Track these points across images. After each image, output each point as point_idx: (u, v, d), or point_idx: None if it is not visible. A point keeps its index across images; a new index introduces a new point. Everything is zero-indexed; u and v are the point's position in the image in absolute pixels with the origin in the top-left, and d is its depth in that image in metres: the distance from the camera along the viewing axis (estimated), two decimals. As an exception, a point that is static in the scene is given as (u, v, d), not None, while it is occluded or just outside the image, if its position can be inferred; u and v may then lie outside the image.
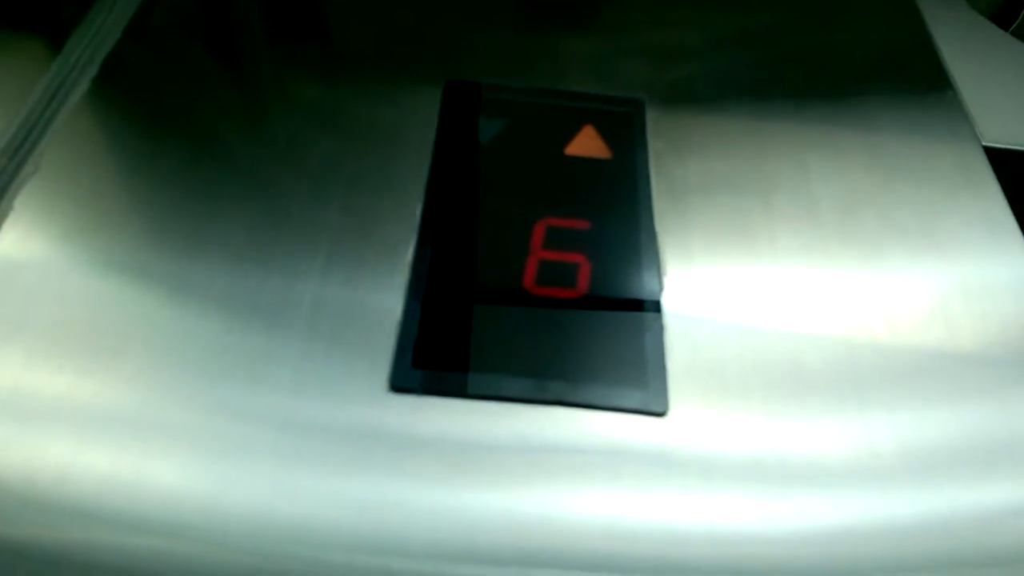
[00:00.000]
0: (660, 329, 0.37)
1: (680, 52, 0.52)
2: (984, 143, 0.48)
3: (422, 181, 0.42)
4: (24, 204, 0.39)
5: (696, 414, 0.34)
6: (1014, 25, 0.60)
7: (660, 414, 0.34)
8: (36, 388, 0.33)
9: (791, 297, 0.39)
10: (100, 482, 0.31)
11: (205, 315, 0.36)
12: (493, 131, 0.45)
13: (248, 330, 0.36)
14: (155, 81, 0.46)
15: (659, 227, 0.41)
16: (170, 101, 0.45)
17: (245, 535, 0.31)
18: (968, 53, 0.56)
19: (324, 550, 0.30)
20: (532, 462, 0.32)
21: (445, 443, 0.33)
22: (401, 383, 0.34)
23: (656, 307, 0.38)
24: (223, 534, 0.31)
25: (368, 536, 0.30)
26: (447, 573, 0.30)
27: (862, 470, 0.34)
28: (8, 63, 0.45)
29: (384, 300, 0.37)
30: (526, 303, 0.37)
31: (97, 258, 0.38)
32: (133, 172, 0.42)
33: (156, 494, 0.31)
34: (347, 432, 0.32)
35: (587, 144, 0.45)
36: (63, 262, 0.37)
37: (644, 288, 0.38)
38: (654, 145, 0.45)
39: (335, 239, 0.39)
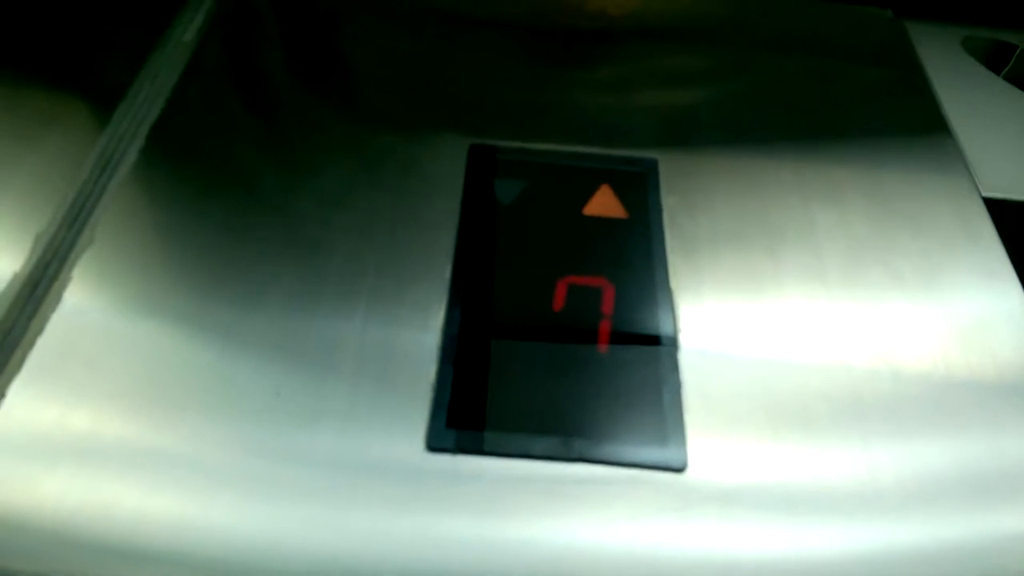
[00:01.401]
0: (678, 384, 0.39)
1: (689, 106, 0.55)
2: (983, 194, 0.51)
3: (450, 242, 0.45)
4: (82, 273, 0.42)
5: (714, 467, 0.37)
6: (1007, 68, 0.62)
7: (680, 470, 0.36)
8: (105, 446, 0.36)
9: (799, 346, 0.42)
10: (170, 527, 0.34)
11: (254, 372, 0.39)
12: (515, 193, 0.48)
13: (294, 390, 0.38)
14: (199, 146, 0.49)
15: (673, 283, 0.44)
16: (214, 164, 0.49)
17: (290, 573, 0.33)
18: (966, 101, 0.58)
19: None
20: (558, 518, 0.35)
21: (478, 500, 0.35)
22: (437, 444, 0.36)
23: (673, 363, 0.40)
24: (275, 574, 0.33)
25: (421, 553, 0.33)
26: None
27: (868, 511, 0.36)
28: (57, 135, 0.48)
29: (418, 361, 0.40)
30: (551, 363, 0.40)
31: (152, 318, 0.41)
32: (184, 234, 0.45)
33: (214, 536, 0.34)
34: (387, 492, 0.35)
35: (604, 204, 0.47)
36: (121, 325, 0.40)
37: (661, 344, 0.41)
38: (667, 202, 0.48)
39: (371, 301, 0.42)
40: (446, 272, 0.44)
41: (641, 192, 0.48)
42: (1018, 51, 0.64)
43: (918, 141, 0.54)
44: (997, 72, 0.62)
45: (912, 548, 0.35)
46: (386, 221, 0.46)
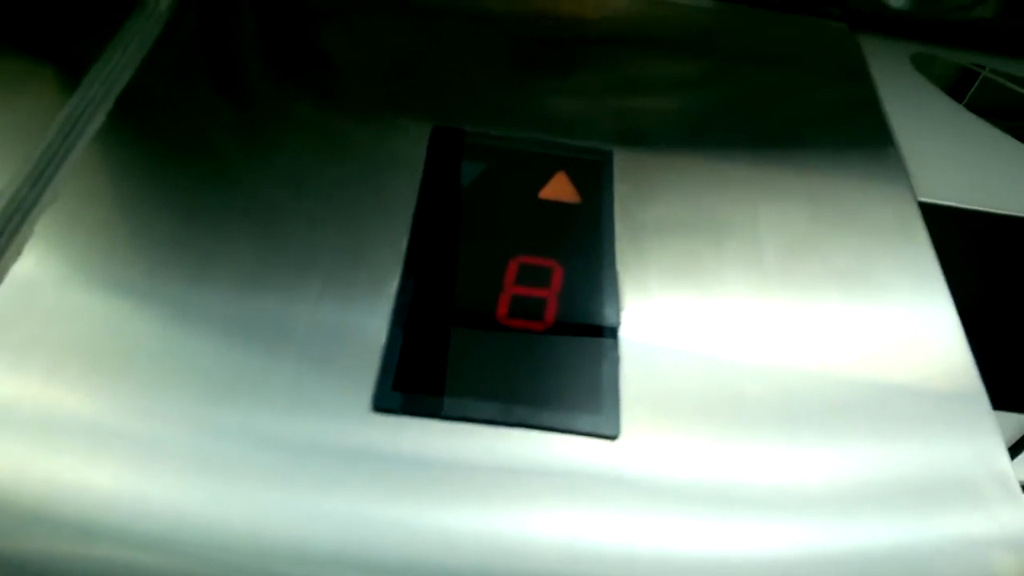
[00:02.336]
0: (616, 359, 0.41)
1: (648, 105, 0.57)
2: (919, 198, 0.53)
3: (408, 217, 0.47)
4: (43, 229, 0.43)
5: (645, 438, 0.39)
6: (967, 97, 0.65)
7: (612, 437, 0.38)
8: (52, 404, 0.37)
9: (735, 332, 0.44)
10: (103, 498, 0.34)
11: (206, 337, 0.40)
12: (474, 174, 0.49)
13: (245, 352, 0.40)
14: (166, 116, 0.50)
15: (620, 266, 0.46)
16: (180, 135, 0.50)
17: (237, 551, 0.34)
18: (910, 112, 0.61)
19: (308, 564, 0.34)
20: (496, 481, 0.37)
21: (420, 461, 0.37)
22: (383, 404, 0.38)
23: (614, 339, 0.42)
24: (217, 549, 0.34)
25: (351, 552, 0.34)
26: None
27: (791, 497, 0.38)
28: (28, 97, 0.49)
29: (370, 326, 0.41)
30: (498, 334, 0.42)
31: (109, 281, 0.41)
32: (145, 201, 0.46)
33: (154, 510, 0.34)
34: (332, 450, 0.37)
35: (559, 189, 0.49)
36: (78, 284, 0.41)
37: (604, 322, 0.43)
38: (619, 190, 0.50)
39: (329, 269, 0.44)
40: (402, 246, 0.45)
41: (595, 179, 0.50)
42: (980, 78, 0.67)
43: (862, 147, 0.57)
44: (947, 90, 0.65)
45: (835, 548, 0.37)
46: (346, 199, 0.47)
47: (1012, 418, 0.74)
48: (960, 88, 0.66)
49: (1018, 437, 0.75)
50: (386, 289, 0.43)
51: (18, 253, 0.41)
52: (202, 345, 0.40)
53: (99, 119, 0.48)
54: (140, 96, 0.51)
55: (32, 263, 0.41)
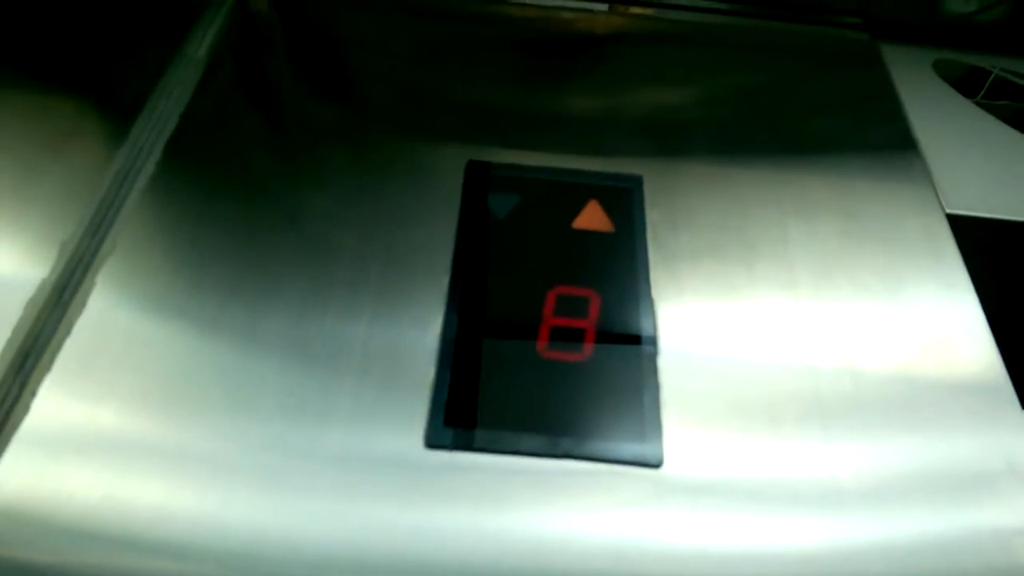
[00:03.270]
0: (656, 387, 0.43)
1: (674, 125, 0.59)
2: (947, 211, 0.54)
3: (449, 252, 0.48)
4: (105, 279, 0.45)
5: (688, 464, 0.40)
6: (980, 95, 0.66)
7: (656, 466, 0.40)
8: (128, 443, 0.39)
9: (769, 352, 0.45)
10: (188, 521, 0.37)
11: (269, 362, 0.42)
12: (509, 207, 0.51)
13: (304, 390, 0.42)
14: (213, 160, 0.53)
15: (655, 293, 0.47)
16: (228, 178, 0.52)
17: (309, 566, 0.36)
18: (935, 121, 0.62)
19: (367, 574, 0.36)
20: (545, 509, 0.38)
21: (472, 493, 0.39)
22: (435, 441, 0.40)
23: (653, 367, 0.44)
24: (292, 565, 0.37)
25: (410, 569, 0.36)
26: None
27: (825, 497, 0.40)
28: (80, 148, 0.52)
29: (418, 363, 0.43)
30: (541, 367, 0.43)
31: (173, 321, 0.44)
32: (200, 243, 0.48)
33: (232, 531, 0.37)
34: (389, 486, 0.38)
35: (592, 218, 0.51)
36: (143, 329, 0.43)
37: (642, 350, 0.44)
38: (651, 217, 0.51)
39: (375, 306, 0.46)
40: (444, 281, 0.47)
41: (627, 207, 0.51)
42: (992, 76, 0.68)
43: (888, 159, 0.58)
44: (968, 94, 0.66)
45: (866, 541, 0.39)
46: (389, 230, 0.49)
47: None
48: (986, 93, 0.66)
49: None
50: (431, 328, 0.45)
51: (83, 305, 0.44)
52: (266, 370, 0.42)
53: (149, 167, 0.51)
54: (187, 141, 0.53)
55: (97, 313, 0.44)
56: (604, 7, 0.69)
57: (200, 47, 0.58)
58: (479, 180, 0.52)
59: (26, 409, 0.40)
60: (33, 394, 0.40)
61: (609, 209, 0.51)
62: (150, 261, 0.47)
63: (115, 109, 0.55)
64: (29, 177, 0.49)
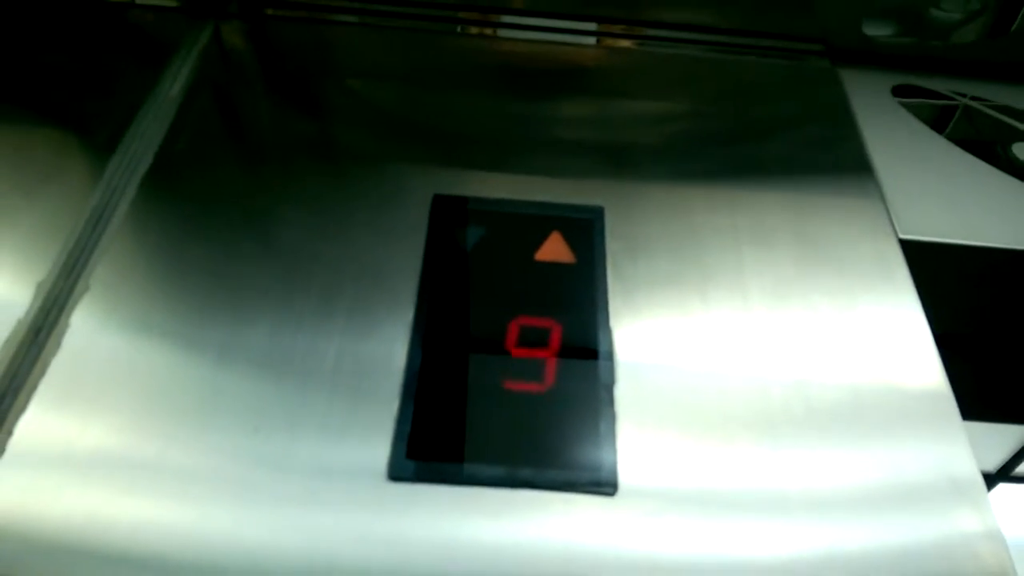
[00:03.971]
0: (612, 416, 0.44)
1: (636, 153, 0.60)
2: (900, 235, 0.56)
3: (414, 282, 0.50)
4: (80, 319, 0.47)
5: (642, 491, 0.42)
6: (948, 126, 0.67)
7: (611, 493, 0.41)
8: (106, 468, 0.41)
9: (724, 377, 0.47)
10: (167, 536, 0.39)
11: (246, 377, 0.44)
12: (474, 240, 0.52)
13: (275, 408, 0.43)
14: (186, 198, 0.54)
15: (613, 322, 0.49)
16: (201, 213, 0.53)
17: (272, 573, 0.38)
18: (891, 146, 0.63)
19: None
20: (503, 536, 0.40)
21: (433, 524, 0.40)
22: (397, 474, 0.41)
23: (609, 396, 0.45)
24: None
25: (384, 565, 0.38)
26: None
27: (774, 508, 0.41)
28: (56, 190, 0.53)
29: (383, 392, 0.45)
30: (502, 398, 0.45)
31: (146, 356, 0.45)
32: (174, 276, 0.49)
33: (212, 544, 0.39)
34: (354, 510, 0.40)
35: (554, 249, 0.52)
36: (117, 365, 0.45)
37: (600, 379, 0.46)
38: (611, 247, 0.53)
39: (342, 343, 0.47)
40: (410, 310, 0.49)
41: (587, 238, 0.53)
42: (961, 107, 0.69)
43: (844, 183, 0.60)
44: (927, 122, 0.68)
45: (813, 551, 0.41)
46: (358, 259, 0.51)
47: (1014, 429, 0.76)
48: (943, 118, 0.68)
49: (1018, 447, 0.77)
50: (396, 360, 0.46)
51: (58, 345, 0.45)
52: (243, 385, 0.44)
53: (124, 206, 0.52)
54: (161, 180, 0.55)
55: (72, 352, 0.45)
56: (592, 40, 0.71)
57: (174, 85, 0.60)
58: (444, 213, 0.54)
59: (2, 449, 0.41)
60: (9, 434, 0.42)
61: (571, 240, 0.53)
62: (125, 294, 0.48)
63: (89, 149, 0.56)
64: (4, 219, 0.50)
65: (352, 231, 0.53)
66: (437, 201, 0.54)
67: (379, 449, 0.43)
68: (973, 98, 0.70)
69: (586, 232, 0.53)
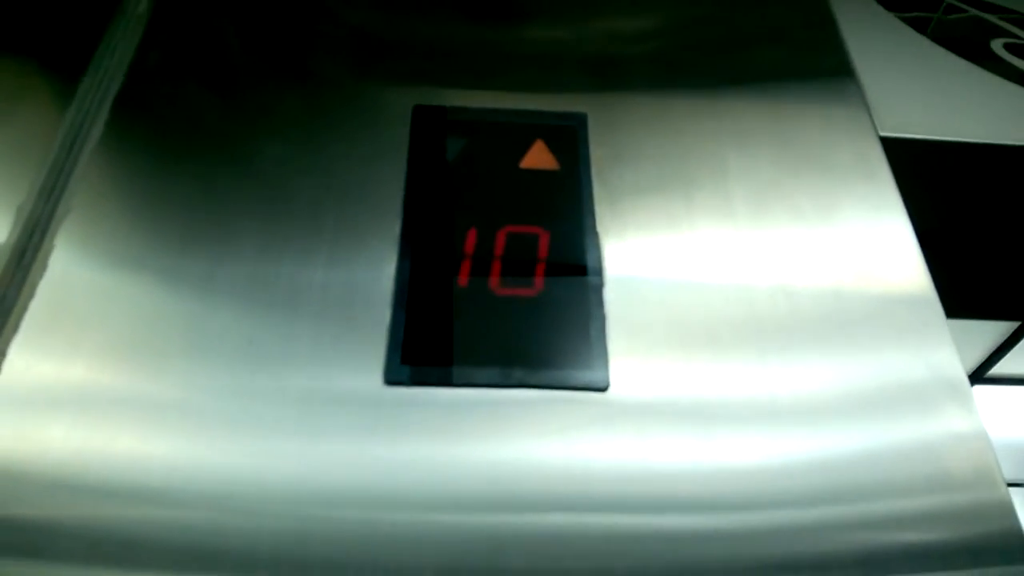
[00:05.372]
0: (602, 317, 0.45)
1: (617, 60, 0.60)
2: (880, 133, 0.56)
3: (399, 196, 0.50)
4: (64, 240, 0.46)
5: (632, 386, 0.43)
6: (930, 27, 0.67)
7: (603, 389, 0.42)
8: (98, 394, 0.41)
9: (708, 279, 0.48)
10: (161, 467, 0.39)
11: (228, 320, 0.44)
12: (457, 149, 0.52)
13: (264, 336, 0.43)
14: (161, 116, 0.53)
15: (600, 228, 0.49)
16: (177, 132, 0.52)
17: (274, 500, 0.39)
18: (872, 46, 0.63)
19: (335, 508, 0.39)
20: (500, 437, 0.41)
21: (429, 426, 0.41)
22: (393, 378, 0.42)
23: (599, 299, 0.46)
24: (259, 502, 0.39)
25: (373, 493, 0.39)
26: (437, 520, 0.39)
27: (764, 412, 0.43)
28: (26, 111, 0.52)
29: (374, 305, 0.45)
30: (492, 303, 0.45)
31: (133, 276, 0.45)
32: (155, 197, 0.49)
33: (204, 473, 0.40)
34: (352, 422, 0.41)
35: (538, 157, 0.52)
36: (105, 285, 0.45)
37: (589, 282, 0.47)
38: (595, 153, 0.53)
39: (331, 253, 0.47)
40: (396, 224, 0.49)
41: (571, 145, 0.53)
42: (943, 6, 0.69)
43: (825, 86, 0.59)
44: (910, 22, 0.67)
45: (802, 455, 0.42)
46: (341, 175, 0.51)
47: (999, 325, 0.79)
48: (926, 18, 0.68)
49: (1000, 342, 0.79)
50: (386, 266, 0.46)
51: (44, 267, 0.45)
52: (227, 317, 0.44)
53: (99, 127, 0.51)
54: (134, 99, 0.53)
55: (59, 273, 0.45)
56: None
57: (139, 2, 0.58)
58: (426, 124, 0.53)
59: (-2, 364, 0.41)
60: (3, 355, 0.42)
61: (555, 148, 0.53)
62: (106, 220, 0.47)
63: (59, 69, 0.55)
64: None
65: (335, 144, 0.52)
66: (418, 112, 0.54)
67: (375, 357, 0.43)
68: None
69: (570, 139, 0.53)
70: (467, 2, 0.64)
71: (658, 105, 0.57)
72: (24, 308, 0.43)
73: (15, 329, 0.43)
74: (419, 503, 0.39)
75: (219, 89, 0.56)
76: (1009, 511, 0.41)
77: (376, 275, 0.46)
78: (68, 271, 0.45)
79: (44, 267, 0.45)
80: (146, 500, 0.39)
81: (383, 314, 0.45)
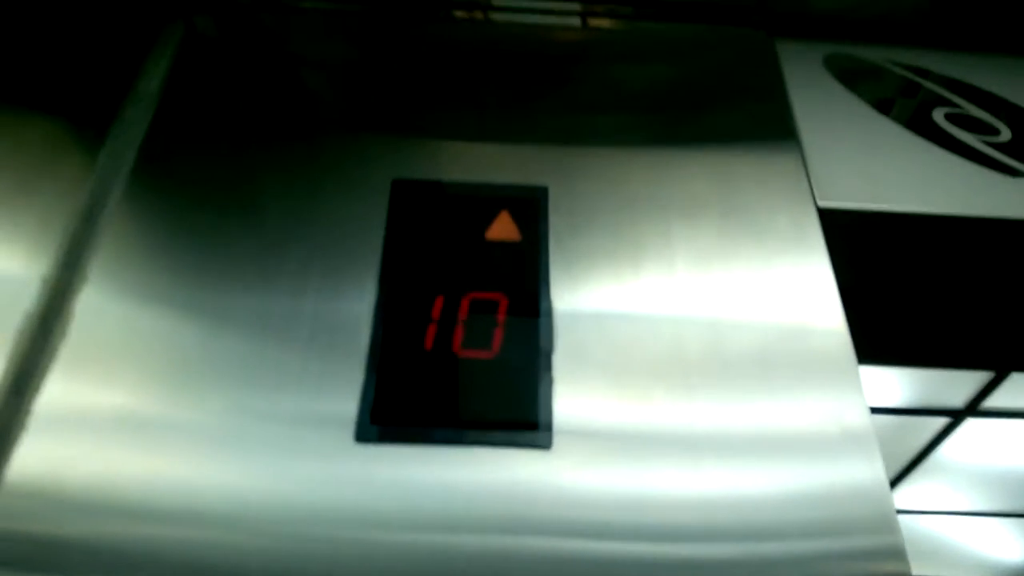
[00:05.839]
0: (550, 381, 0.51)
1: (580, 132, 0.66)
2: (819, 204, 0.62)
3: (376, 260, 0.56)
4: (83, 306, 0.53)
5: (573, 446, 0.49)
6: (873, 97, 0.72)
7: (546, 448, 0.49)
8: (125, 419, 0.49)
9: (650, 339, 0.54)
10: (170, 486, 0.47)
11: (234, 348, 0.51)
12: (430, 220, 0.58)
13: (262, 360, 0.50)
14: (170, 189, 0.60)
15: (554, 294, 0.55)
16: (187, 199, 0.59)
17: (260, 520, 0.46)
18: (818, 115, 0.69)
19: (313, 525, 0.46)
20: (453, 486, 0.47)
21: (393, 477, 0.47)
22: (363, 436, 0.48)
23: (548, 364, 0.52)
24: (265, 523, 0.46)
25: (352, 512, 0.46)
26: (403, 539, 0.45)
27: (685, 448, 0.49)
28: (48, 187, 0.59)
29: (350, 368, 0.51)
30: (454, 364, 0.52)
31: (153, 308, 0.52)
32: (170, 245, 0.56)
33: (211, 492, 0.47)
34: (324, 470, 0.47)
35: (502, 228, 0.58)
36: (125, 328, 0.52)
37: (540, 348, 0.53)
38: (554, 224, 0.59)
39: (315, 315, 0.54)
40: (371, 298, 0.55)
41: (533, 216, 0.59)
42: (889, 76, 0.74)
43: (770, 152, 0.65)
44: (856, 90, 0.72)
45: (716, 490, 0.48)
46: (328, 239, 0.57)
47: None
48: (872, 87, 0.73)
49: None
50: (362, 334, 0.53)
51: (63, 333, 0.52)
52: (230, 345, 0.52)
53: (114, 199, 0.58)
54: (146, 173, 0.60)
55: (91, 307, 0.53)
56: (577, 21, 0.75)
57: (151, 81, 0.65)
58: (403, 197, 0.60)
59: (25, 425, 0.48)
60: (29, 412, 0.49)
61: (517, 219, 0.59)
62: (122, 284, 0.54)
63: (80, 146, 0.62)
64: (6, 215, 0.56)
65: (322, 208, 0.59)
66: (396, 186, 0.60)
67: (348, 404, 0.50)
68: (902, 66, 0.74)
69: (532, 211, 0.59)
70: (449, 81, 0.70)
71: (613, 175, 0.63)
72: (47, 368, 0.50)
73: (39, 387, 0.50)
74: (388, 523, 0.46)
75: (223, 154, 0.63)
76: (902, 557, 0.46)
77: (354, 339, 0.53)
78: (88, 332, 0.52)
79: (64, 333, 0.52)
80: (152, 519, 0.46)
81: (359, 361, 0.51)
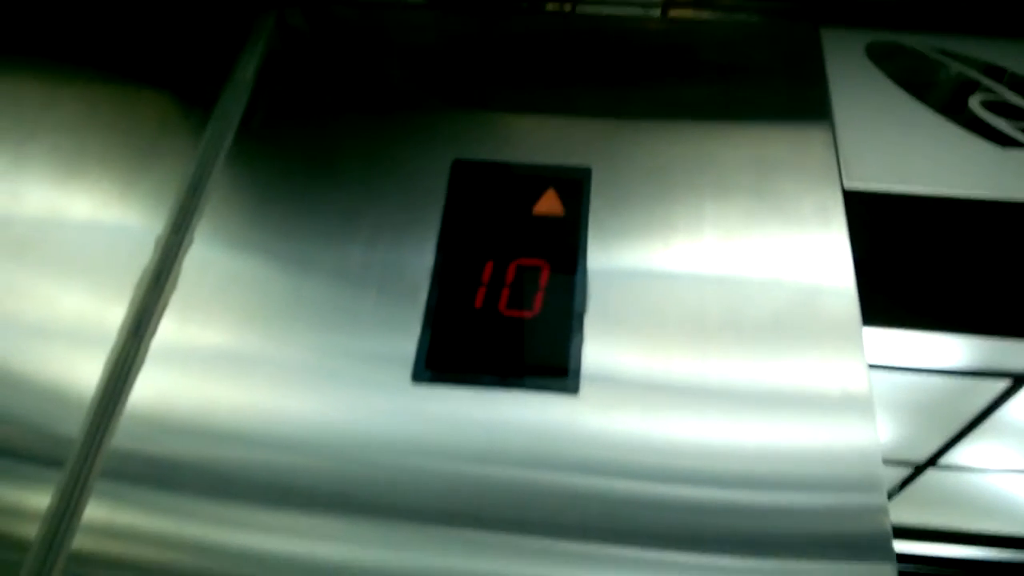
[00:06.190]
0: (581, 338, 0.58)
1: (623, 119, 0.71)
2: (845, 186, 0.66)
3: (435, 230, 0.64)
4: (201, 234, 0.63)
5: (598, 393, 0.56)
6: (913, 83, 0.75)
7: (574, 393, 0.56)
8: (228, 356, 0.59)
9: (674, 308, 0.60)
10: (273, 416, 0.56)
11: (318, 293, 0.60)
12: (485, 195, 0.66)
13: (341, 303, 0.59)
14: (262, 164, 0.69)
15: (590, 265, 0.62)
16: (275, 177, 0.68)
17: (331, 446, 0.55)
18: (856, 100, 0.72)
19: (373, 452, 0.54)
20: (495, 426, 0.55)
21: (445, 414, 0.55)
22: (419, 377, 0.56)
23: (580, 324, 0.59)
24: (324, 446, 0.55)
25: (406, 443, 0.55)
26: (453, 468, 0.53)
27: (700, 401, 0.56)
28: (161, 157, 0.69)
29: (411, 319, 0.60)
30: (500, 322, 0.59)
31: (252, 258, 0.61)
32: (265, 203, 0.66)
33: (298, 421, 0.56)
34: (379, 412, 0.56)
35: (549, 204, 0.65)
36: (233, 274, 0.61)
37: (575, 309, 0.60)
38: (595, 203, 0.65)
39: (383, 270, 0.62)
40: (431, 257, 0.63)
41: (576, 194, 0.66)
42: (929, 62, 0.77)
43: (803, 134, 0.69)
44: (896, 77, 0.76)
45: (721, 440, 0.54)
46: (394, 214, 0.66)
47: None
48: (912, 72, 0.76)
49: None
50: (420, 295, 0.61)
51: (174, 285, 0.62)
52: (313, 291, 0.62)
53: (216, 174, 0.68)
54: (241, 153, 0.70)
55: (198, 259, 0.62)
56: (657, 12, 0.81)
57: (246, 70, 0.74)
58: (462, 174, 0.67)
59: (143, 361, 0.58)
60: (147, 349, 0.59)
61: (563, 196, 0.66)
62: (233, 217, 0.66)
63: (184, 130, 0.71)
64: (125, 185, 0.67)
65: (392, 179, 0.68)
66: (456, 166, 0.68)
67: (408, 348, 0.59)
68: (943, 52, 0.77)
69: (575, 189, 0.66)
70: (511, 67, 0.76)
71: (655, 157, 0.68)
72: (161, 314, 0.60)
73: (155, 330, 0.60)
74: (435, 452, 0.54)
75: (311, 129, 0.72)
76: (884, 514, 0.51)
77: (413, 301, 0.61)
78: (204, 261, 0.63)
79: (175, 285, 0.62)
80: (243, 443, 0.56)
81: (415, 331, 0.59)
